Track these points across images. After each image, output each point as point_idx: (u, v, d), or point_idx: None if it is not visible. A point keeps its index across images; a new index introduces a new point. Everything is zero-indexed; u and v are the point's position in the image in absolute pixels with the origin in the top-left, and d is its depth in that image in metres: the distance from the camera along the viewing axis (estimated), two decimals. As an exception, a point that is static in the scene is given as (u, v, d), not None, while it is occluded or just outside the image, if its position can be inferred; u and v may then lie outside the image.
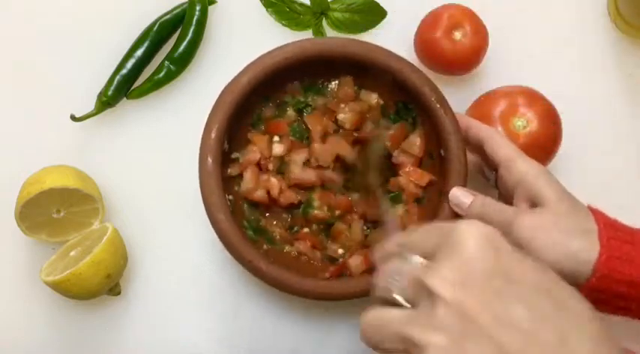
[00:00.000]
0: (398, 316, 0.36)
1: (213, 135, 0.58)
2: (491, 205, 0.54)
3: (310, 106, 0.63)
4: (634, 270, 0.48)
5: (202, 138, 0.58)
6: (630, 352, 0.36)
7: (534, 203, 0.53)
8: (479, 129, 0.58)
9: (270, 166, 0.61)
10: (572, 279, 0.50)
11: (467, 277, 0.34)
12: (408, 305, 0.36)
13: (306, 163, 0.61)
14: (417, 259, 0.37)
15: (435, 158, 0.61)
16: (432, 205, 0.60)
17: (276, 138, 0.62)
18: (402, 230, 0.44)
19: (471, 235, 0.35)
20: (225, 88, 0.58)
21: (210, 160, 0.57)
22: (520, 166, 0.54)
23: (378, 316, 0.37)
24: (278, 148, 0.61)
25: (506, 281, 0.34)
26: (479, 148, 0.58)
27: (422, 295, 0.35)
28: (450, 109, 0.58)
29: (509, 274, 0.34)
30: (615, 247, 0.49)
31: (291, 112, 0.63)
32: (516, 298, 0.33)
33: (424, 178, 0.60)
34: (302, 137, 0.62)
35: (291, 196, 0.61)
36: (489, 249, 0.35)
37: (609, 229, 0.50)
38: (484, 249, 0.35)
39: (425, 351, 0.33)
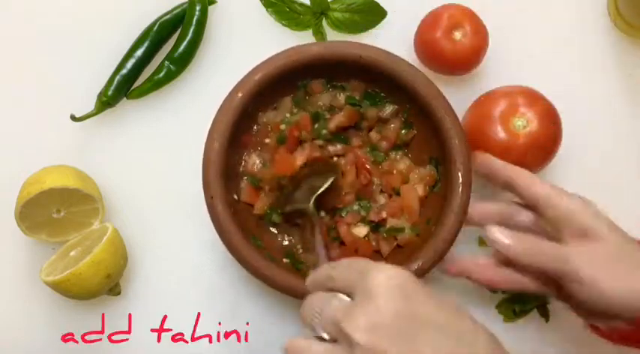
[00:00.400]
0: (319, 350, 0.41)
1: (222, 126, 0.58)
2: (535, 244, 0.53)
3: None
4: None
5: (210, 128, 0.58)
6: None
7: (583, 237, 0.52)
8: (504, 169, 0.57)
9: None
10: (628, 310, 0.50)
11: (378, 323, 0.39)
12: (327, 338, 0.41)
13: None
14: (337, 301, 0.42)
15: (440, 167, 0.61)
16: (436, 211, 0.60)
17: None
18: (327, 257, 0.52)
19: (381, 284, 0.40)
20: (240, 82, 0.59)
21: (214, 154, 0.58)
22: (565, 202, 0.53)
23: (300, 347, 0.42)
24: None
25: (414, 325, 0.39)
26: (507, 187, 0.57)
27: (340, 336, 0.40)
28: (457, 119, 0.59)
29: (417, 318, 0.39)
30: None
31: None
32: (423, 340, 0.38)
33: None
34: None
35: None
36: (398, 296, 0.39)
37: None
38: (394, 297, 0.39)
39: None
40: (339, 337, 0.40)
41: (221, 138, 0.58)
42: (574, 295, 0.52)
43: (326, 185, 0.59)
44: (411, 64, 0.59)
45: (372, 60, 0.59)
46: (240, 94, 0.58)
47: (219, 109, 0.58)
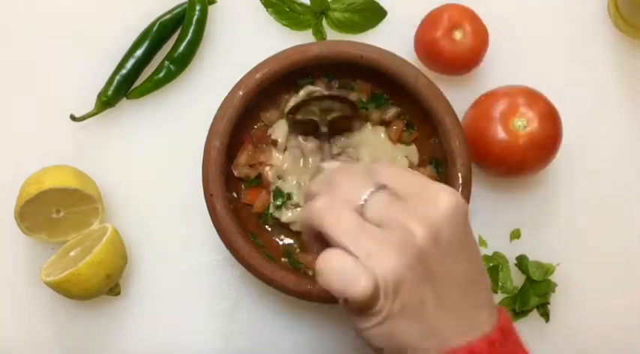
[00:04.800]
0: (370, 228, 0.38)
1: (222, 126, 0.58)
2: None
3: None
4: None
5: (211, 126, 0.58)
6: None
7: None
8: None
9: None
10: None
11: (439, 232, 0.38)
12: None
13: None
14: (387, 194, 0.39)
15: (441, 173, 0.61)
16: None
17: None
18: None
19: (451, 202, 0.39)
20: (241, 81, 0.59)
21: (214, 151, 0.57)
22: None
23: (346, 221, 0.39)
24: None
25: (462, 248, 0.39)
26: None
27: (392, 223, 0.38)
28: (458, 120, 0.59)
29: (465, 242, 0.40)
30: None
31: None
32: (464, 260, 0.39)
33: None
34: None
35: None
36: (462, 221, 0.39)
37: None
38: (458, 219, 0.39)
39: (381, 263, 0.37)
40: (389, 222, 0.38)
41: (221, 136, 0.58)
42: None
43: (339, 114, 0.60)
44: (412, 65, 0.59)
45: (373, 60, 0.59)
46: (241, 93, 0.58)
47: (220, 107, 0.58)
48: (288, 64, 0.59)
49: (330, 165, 0.47)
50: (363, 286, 0.36)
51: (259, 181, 0.62)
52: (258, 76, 0.58)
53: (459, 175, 0.58)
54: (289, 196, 0.61)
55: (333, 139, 0.62)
